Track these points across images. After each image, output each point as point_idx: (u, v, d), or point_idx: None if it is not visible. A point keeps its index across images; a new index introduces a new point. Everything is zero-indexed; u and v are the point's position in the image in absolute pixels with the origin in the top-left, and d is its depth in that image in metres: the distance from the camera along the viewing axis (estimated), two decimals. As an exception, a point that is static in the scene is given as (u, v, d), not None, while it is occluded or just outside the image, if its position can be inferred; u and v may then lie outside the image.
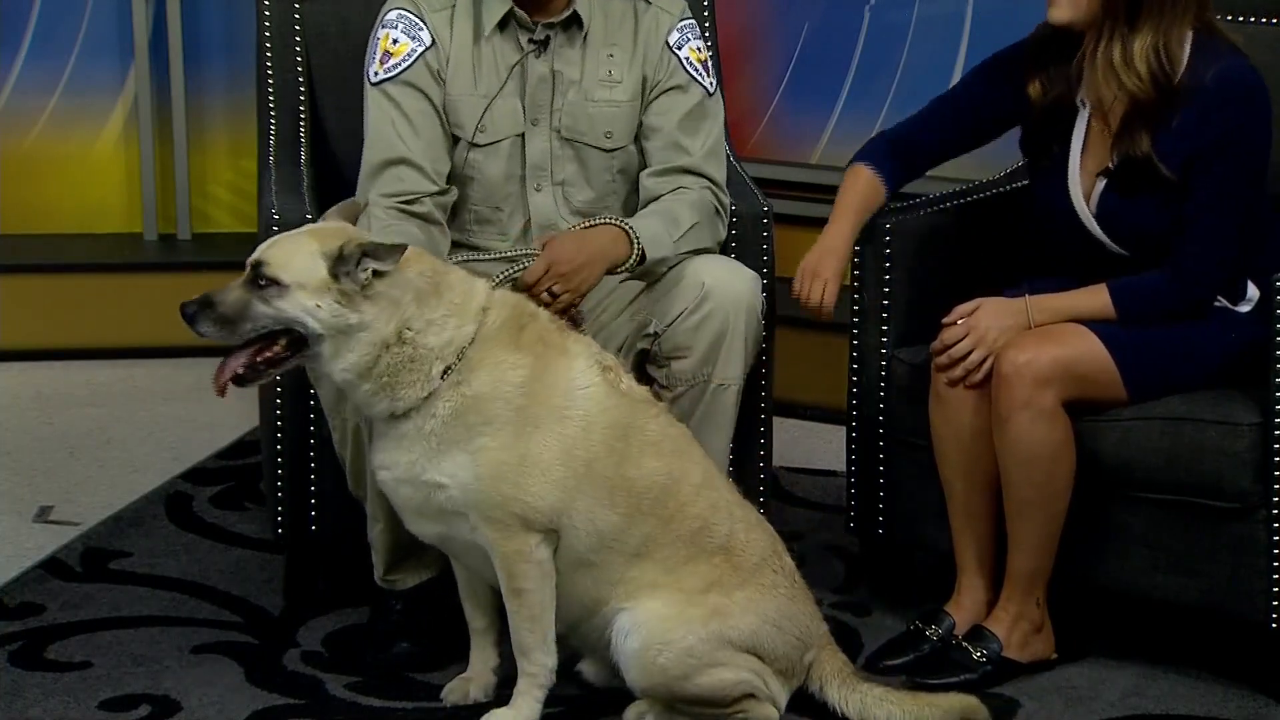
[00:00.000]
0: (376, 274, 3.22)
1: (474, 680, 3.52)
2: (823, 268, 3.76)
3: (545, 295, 3.50)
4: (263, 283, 3.22)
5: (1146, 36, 3.58)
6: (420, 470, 3.30)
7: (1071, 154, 3.71)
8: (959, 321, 3.64)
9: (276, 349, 3.26)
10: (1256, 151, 3.60)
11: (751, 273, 3.69)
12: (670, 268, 3.66)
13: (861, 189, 3.85)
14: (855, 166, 3.88)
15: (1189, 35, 3.60)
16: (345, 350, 3.25)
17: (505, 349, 3.30)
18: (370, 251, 3.23)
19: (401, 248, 3.25)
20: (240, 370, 3.27)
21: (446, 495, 3.30)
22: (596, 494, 3.31)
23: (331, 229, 3.34)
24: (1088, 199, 3.69)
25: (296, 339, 3.25)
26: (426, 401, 3.28)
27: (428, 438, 3.28)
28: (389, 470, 3.34)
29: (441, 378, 3.27)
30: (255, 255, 3.26)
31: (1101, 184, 3.68)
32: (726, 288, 3.62)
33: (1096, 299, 3.64)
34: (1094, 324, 3.60)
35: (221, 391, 3.28)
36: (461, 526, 3.33)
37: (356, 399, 3.32)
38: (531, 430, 3.28)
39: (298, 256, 3.24)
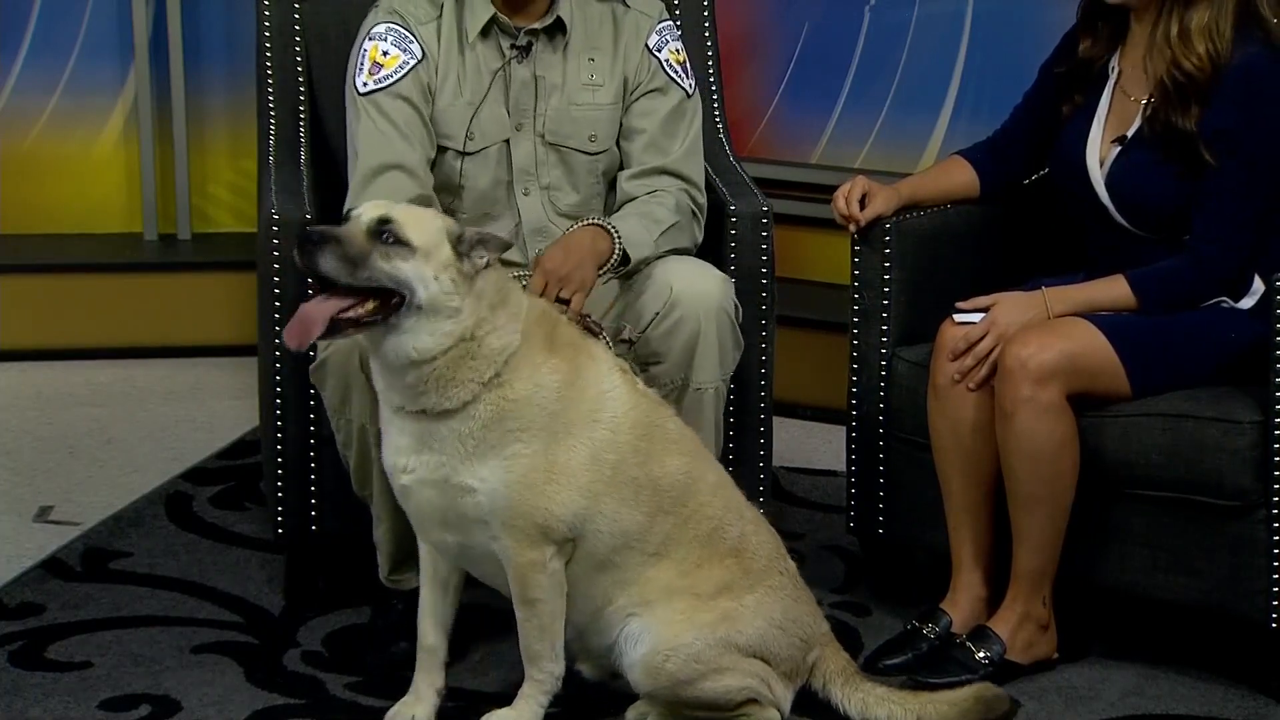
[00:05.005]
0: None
1: (420, 704, 3.45)
2: (873, 186, 3.85)
3: (556, 305, 3.50)
4: (388, 239, 3.17)
5: (1204, 13, 3.60)
6: (451, 472, 3.26)
7: (1096, 116, 3.74)
8: (978, 318, 3.65)
9: (364, 310, 3.19)
10: (1277, 140, 3.61)
11: (720, 273, 3.70)
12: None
13: (945, 164, 4.00)
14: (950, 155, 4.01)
15: (1233, 14, 3.62)
16: (426, 332, 3.20)
17: (541, 351, 3.29)
18: (484, 240, 3.23)
19: (507, 243, 3.27)
20: (326, 323, 3.17)
21: (473, 500, 3.27)
22: (622, 494, 3.31)
23: (435, 211, 3.34)
24: (1101, 164, 3.72)
25: (384, 305, 3.19)
26: (469, 404, 3.25)
27: (464, 440, 3.25)
28: (413, 473, 3.29)
29: (490, 380, 3.25)
30: (378, 212, 3.19)
31: (1115, 151, 3.71)
32: (694, 291, 3.62)
33: (1115, 288, 3.65)
34: (1097, 318, 3.61)
35: (303, 344, 3.18)
36: (480, 535, 3.31)
37: (400, 384, 3.23)
38: (563, 437, 3.27)
39: (428, 226, 3.21)
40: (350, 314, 3.18)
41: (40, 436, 4.94)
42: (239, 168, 5.79)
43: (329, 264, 3.15)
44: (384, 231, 3.17)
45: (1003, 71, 5.01)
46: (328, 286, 3.19)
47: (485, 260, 3.22)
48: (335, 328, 3.19)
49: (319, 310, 3.18)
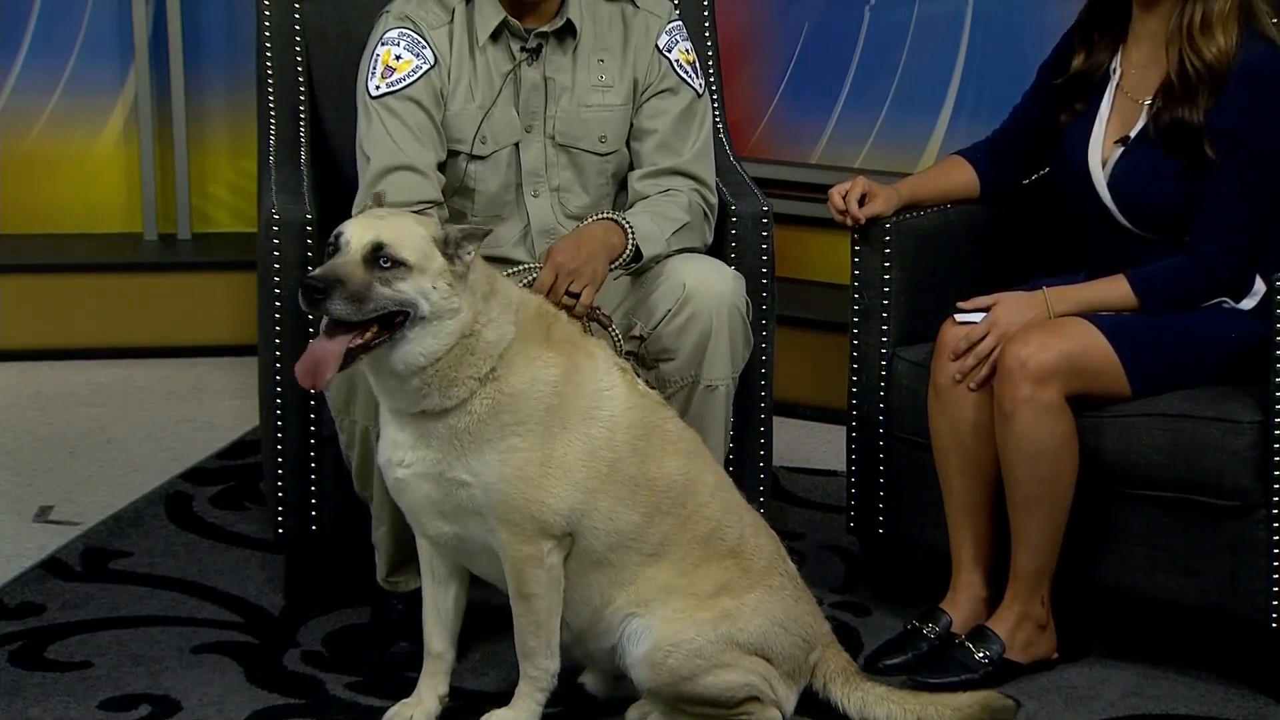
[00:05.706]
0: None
1: (421, 706, 3.45)
2: (873, 187, 3.85)
3: (566, 298, 3.50)
4: (386, 264, 3.17)
5: (1226, 1, 3.60)
6: (446, 467, 3.27)
7: (1098, 118, 3.74)
8: (979, 318, 3.65)
9: (370, 335, 3.20)
10: (1277, 141, 3.61)
11: (732, 271, 3.71)
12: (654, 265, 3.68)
13: (945, 164, 4.00)
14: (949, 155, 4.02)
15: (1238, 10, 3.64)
16: (430, 336, 3.21)
17: (538, 345, 3.30)
18: (467, 235, 3.23)
19: (487, 231, 3.28)
20: (341, 358, 3.17)
21: (468, 493, 3.28)
22: (619, 493, 3.31)
23: (413, 215, 3.32)
24: (1104, 165, 3.72)
25: (387, 325, 3.19)
26: (466, 400, 3.25)
27: (461, 435, 3.26)
28: (409, 468, 3.30)
29: (486, 375, 3.26)
30: (368, 238, 3.18)
31: (1118, 152, 3.71)
32: (707, 288, 3.62)
33: (1116, 288, 3.65)
34: (1097, 318, 3.62)
35: (317, 384, 3.19)
36: (477, 527, 3.32)
37: (402, 391, 3.24)
38: (559, 431, 3.28)
39: (416, 237, 3.20)
40: (359, 342, 3.19)
41: (40, 436, 4.94)
42: (239, 168, 5.79)
43: (339, 308, 3.15)
44: (379, 257, 3.17)
45: (1003, 71, 5.01)
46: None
47: (471, 255, 3.24)
48: (349, 359, 3.19)
49: (331, 348, 3.18)
